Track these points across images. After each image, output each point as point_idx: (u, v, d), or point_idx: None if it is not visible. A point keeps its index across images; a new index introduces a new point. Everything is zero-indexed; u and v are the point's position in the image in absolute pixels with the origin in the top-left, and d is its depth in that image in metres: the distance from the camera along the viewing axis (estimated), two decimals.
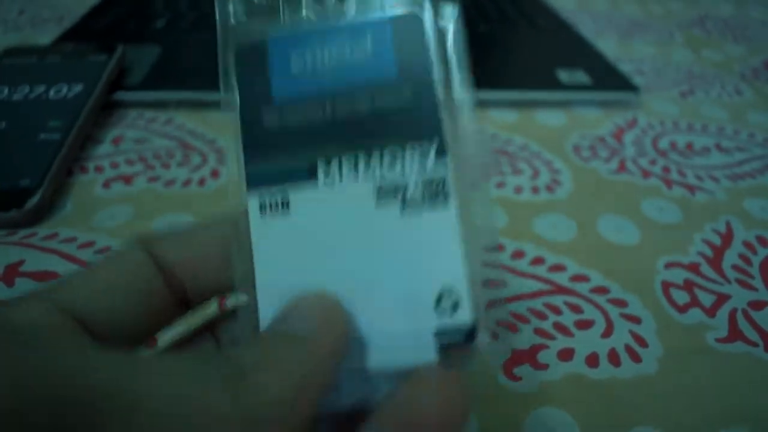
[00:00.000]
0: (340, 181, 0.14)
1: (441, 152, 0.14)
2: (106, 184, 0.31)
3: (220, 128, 0.36)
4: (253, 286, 0.14)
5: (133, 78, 0.38)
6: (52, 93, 0.34)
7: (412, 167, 0.14)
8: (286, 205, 0.15)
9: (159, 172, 0.32)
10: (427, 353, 0.14)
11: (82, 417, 0.10)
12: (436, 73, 0.15)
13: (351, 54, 0.15)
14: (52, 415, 0.10)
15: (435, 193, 0.14)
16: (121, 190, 0.30)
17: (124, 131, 0.35)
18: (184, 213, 0.29)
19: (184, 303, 0.16)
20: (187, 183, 0.31)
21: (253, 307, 0.14)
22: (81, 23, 0.47)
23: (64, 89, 0.34)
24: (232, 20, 0.16)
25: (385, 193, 0.14)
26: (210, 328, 0.18)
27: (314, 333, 0.13)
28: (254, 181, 0.15)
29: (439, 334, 0.14)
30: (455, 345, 0.14)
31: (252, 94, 0.15)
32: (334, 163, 0.14)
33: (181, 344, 0.17)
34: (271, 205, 0.15)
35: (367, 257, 0.14)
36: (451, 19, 0.15)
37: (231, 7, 0.16)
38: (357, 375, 0.14)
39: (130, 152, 0.33)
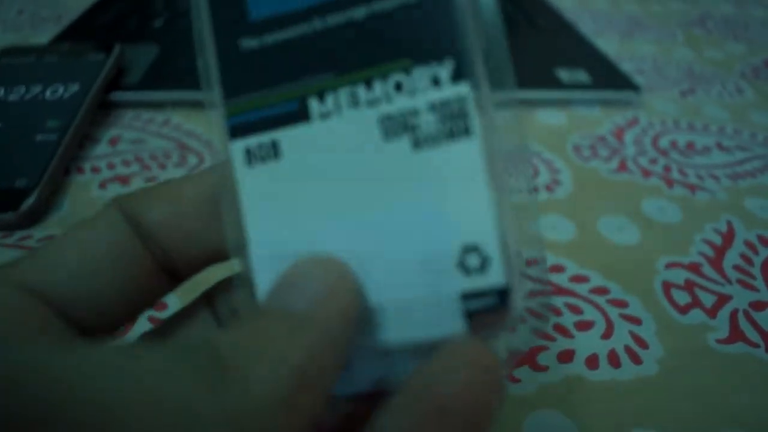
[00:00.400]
0: (338, 114, 0.12)
1: (459, 73, 0.12)
2: (103, 185, 0.30)
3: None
4: (247, 250, 0.12)
5: (131, 77, 0.38)
6: (48, 93, 0.33)
7: (423, 91, 0.12)
8: (275, 148, 0.12)
9: (155, 173, 0.32)
10: (453, 322, 0.11)
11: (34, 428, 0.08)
12: None
13: None
14: None
15: (453, 120, 0.12)
16: (118, 191, 0.30)
17: (121, 132, 0.35)
18: None
19: (173, 273, 0.14)
20: None
21: (248, 276, 0.12)
22: (79, 22, 0.47)
23: (61, 89, 0.34)
24: None
25: (391, 123, 0.12)
26: (207, 299, 0.15)
27: (316, 308, 0.11)
28: (235, 122, 0.13)
29: (466, 297, 0.11)
30: (485, 311, 0.11)
31: (225, 11, 0.13)
32: (329, 97, 0.12)
33: (172, 324, 0.15)
34: (258, 151, 0.13)
35: (375, 207, 0.12)
36: None
37: None
38: (372, 353, 0.12)
39: (126, 153, 0.33)
